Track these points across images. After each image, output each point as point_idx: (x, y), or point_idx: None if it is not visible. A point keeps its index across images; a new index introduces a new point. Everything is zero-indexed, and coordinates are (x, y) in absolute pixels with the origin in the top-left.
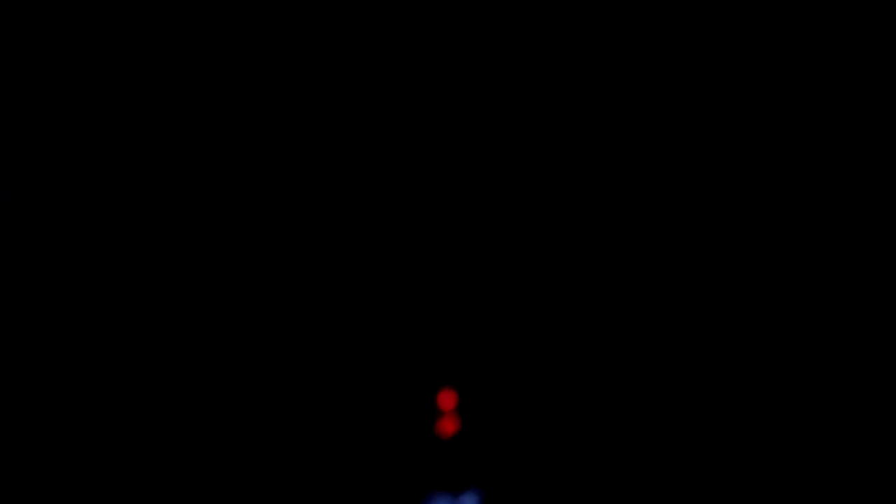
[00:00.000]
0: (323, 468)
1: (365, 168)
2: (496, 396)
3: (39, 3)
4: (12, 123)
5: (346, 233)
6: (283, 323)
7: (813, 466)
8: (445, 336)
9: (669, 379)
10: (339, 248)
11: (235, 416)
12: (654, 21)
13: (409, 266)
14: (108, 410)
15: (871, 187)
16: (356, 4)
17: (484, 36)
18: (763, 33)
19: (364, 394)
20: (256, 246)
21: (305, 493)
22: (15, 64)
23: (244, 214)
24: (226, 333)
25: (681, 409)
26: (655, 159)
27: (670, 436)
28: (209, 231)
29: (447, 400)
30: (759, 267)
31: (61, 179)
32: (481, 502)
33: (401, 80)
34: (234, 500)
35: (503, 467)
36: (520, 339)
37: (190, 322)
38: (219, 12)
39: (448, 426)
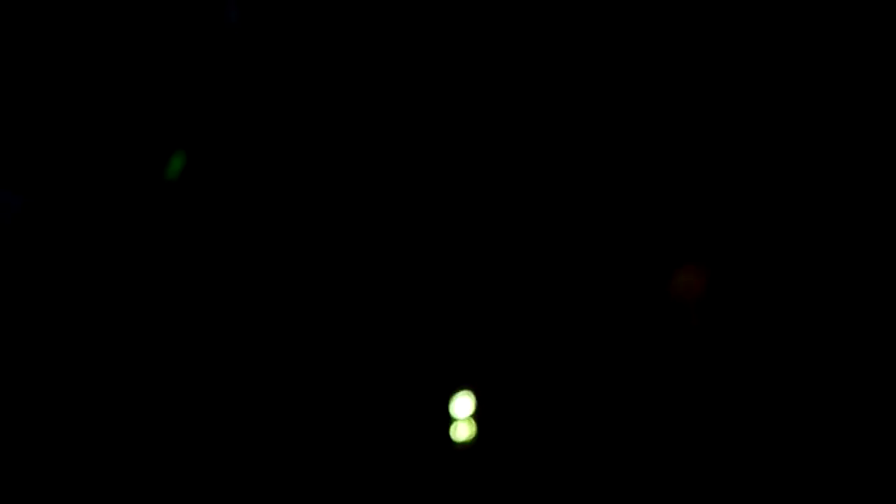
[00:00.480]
0: (335, 473)
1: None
2: (513, 402)
3: (42, 5)
4: (22, 128)
5: (360, 235)
6: (298, 328)
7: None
8: (461, 341)
9: (687, 386)
10: (355, 251)
11: (248, 420)
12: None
13: (425, 271)
14: (113, 410)
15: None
16: (356, 4)
17: (484, 36)
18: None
19: (378, 398)
20: (273, 250)
21: (315, 498)
22: (22, 68)
23: (254, 216)
24: (241, 336)
25: (699, 417)
26: (656, 161)
27: (688, 442)
28: (222, 233)
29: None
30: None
31: (70, 183)
32: None
33: (401, 80)
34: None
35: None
36: (533, 346)
37: (201, 326)
38: (219, 13)
39: (466, 430)
